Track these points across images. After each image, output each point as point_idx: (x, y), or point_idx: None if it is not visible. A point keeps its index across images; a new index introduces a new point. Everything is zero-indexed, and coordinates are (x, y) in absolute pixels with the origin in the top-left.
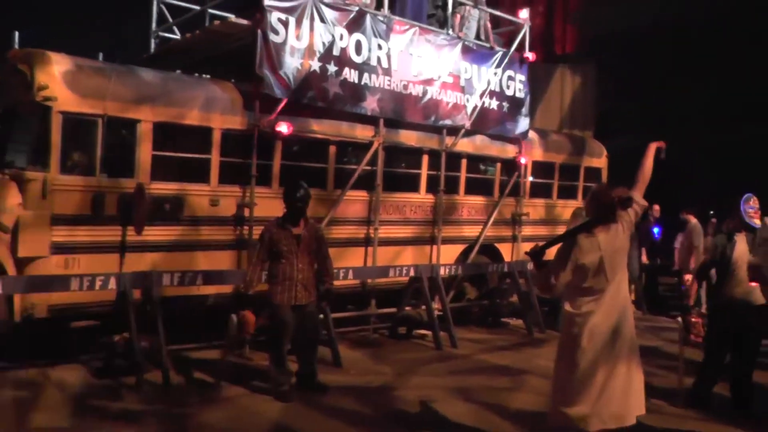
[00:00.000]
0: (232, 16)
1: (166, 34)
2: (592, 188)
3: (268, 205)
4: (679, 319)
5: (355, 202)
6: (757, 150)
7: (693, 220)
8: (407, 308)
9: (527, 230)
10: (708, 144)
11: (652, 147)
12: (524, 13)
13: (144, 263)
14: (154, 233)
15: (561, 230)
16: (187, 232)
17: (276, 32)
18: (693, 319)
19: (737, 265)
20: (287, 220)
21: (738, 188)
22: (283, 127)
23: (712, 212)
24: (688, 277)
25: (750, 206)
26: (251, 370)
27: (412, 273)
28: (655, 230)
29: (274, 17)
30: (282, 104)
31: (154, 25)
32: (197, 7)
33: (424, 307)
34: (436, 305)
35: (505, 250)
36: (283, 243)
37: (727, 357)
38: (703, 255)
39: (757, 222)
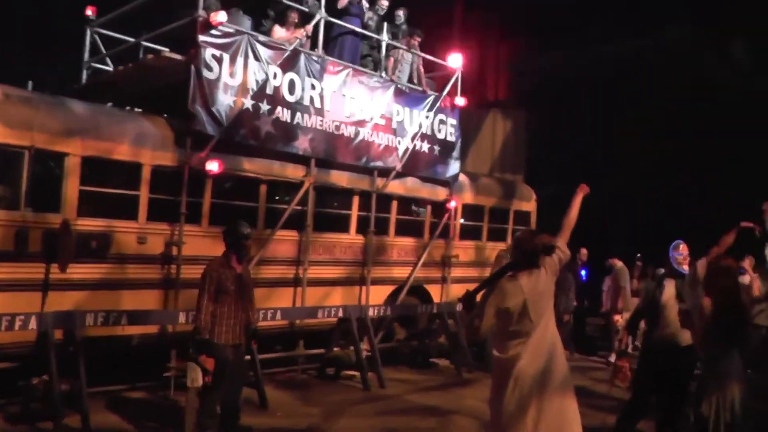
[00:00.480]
0: (166, 50)
1: (99, 65)
2: (516, 235)
3: (197, 243)
4: (613, 357)
5: (285, 241)
6: (680, 196)
7: (619, 263)
8: (336, 349)
9: (457, 272)
10: (634, 190)
11: (579, 194)
12: (456, 59)
13: (68, 302)
14: (80, 271)
15: (490, 272)
16: (113, 270)
17: (210, 68)
18: (620, 363)
19: (665, 309)
20: (230, 259)
21: (666, 233)
22: (214, 165)
23: (639, 255)
24: (617, 317)
25: (678, 253)
26: (172, 411)
27: (341, 314)
28: (583, 273)
29: (208, 53)
30: (213, 142)
31: (86, 55)
32: (131, 39)
33: (352, 347)
34: (365, 346)
35: (435, 291)
36: (229, 282)
37: (653, 397)
38: (630, 296)
39: (685, 268)
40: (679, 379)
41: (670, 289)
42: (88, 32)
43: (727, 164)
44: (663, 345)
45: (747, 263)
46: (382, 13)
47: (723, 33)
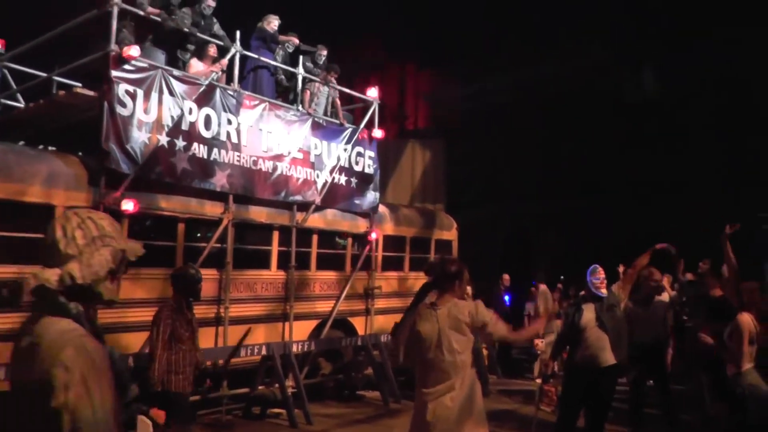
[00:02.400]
0: (78, 86)
1: (9, 102)
2: (430, 261)
3: None
4: (539, 380)
5: (205, 280)
6: (598, 218)
7: (542, 287)
8: (261, 387)
9: (380, 303)
10: (553, 213)
11: (538, 325)
12: (373, 92)
13: None
14: None
15: None
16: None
17: (123, 105)
18: (546, 388)
19: (585, 331)
20: (181, 304)
21: (583, 256)
22: (129, 205)
23: (561, 278)
24: (537, 341)
25: (596, 278)
26: None
27: (264, 351)
28: (506, 298)
29: (121, 89)
30: (128, 180)
31: None
32: (43, 74)
33: (278, 385)
34: (290, 382)
35: (359, 323)
36: (184, 328)
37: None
38: (553, 319)
39: (603, 291)
40: (601, 398)
41: (588, 312)
42: None
43: (644, 188)
44: (584, 366)
45: (665, 281)
46: (290, 50)
47: (635, 58)
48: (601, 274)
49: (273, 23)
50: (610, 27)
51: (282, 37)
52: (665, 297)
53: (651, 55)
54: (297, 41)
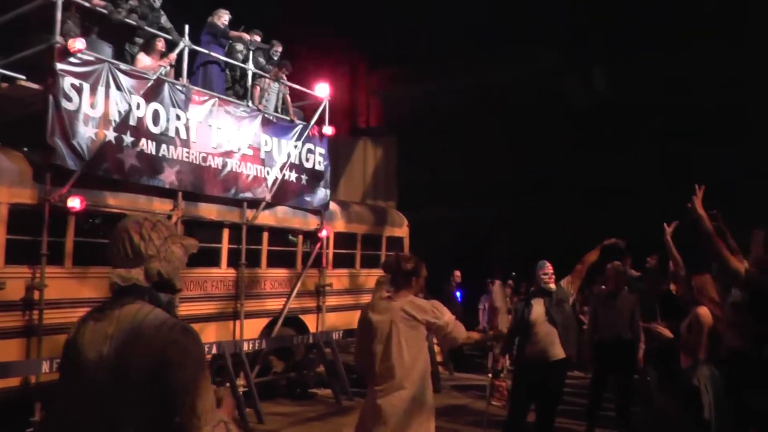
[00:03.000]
0: (22, 78)
1: None
2: (387, 259)
3: (61, 285)
4: (490, 375)
5: None
6: (546, 218)
7: (497, 283)
8: (212, 386)
9: (332, 300)
10: (506, 212)
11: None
12: (324, 89)
13: None
14: None
15: (366, 299)
16: None
17: (69, 99)
18: (497, 383)
19: (535, 326)
20: None
21: (533, 254)
22: (76, 202)
23: (513, 274)
24: (491, 334)
25: (544, 272)
26: None
27: (215, 350)
28: (458, 294)
29: (67, 83)
30: (75, 176)
31: None
32: None
33: (228, 384)
34: (241, 381)
35: (311, 321)
36: None
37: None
38: (505, 314)
39: (551, 285)
40: (551, 392)
41: (538, 307)
42: None
43: (594, 189)
44: (534, 360)
45: None
46: (253, 48)
47: (586, 63)
48: (549, 269)
49: (223, 18)
50: (560, 32)
51: (233, 34)
52: None
53: (600, 61)
54: (259, 39)
